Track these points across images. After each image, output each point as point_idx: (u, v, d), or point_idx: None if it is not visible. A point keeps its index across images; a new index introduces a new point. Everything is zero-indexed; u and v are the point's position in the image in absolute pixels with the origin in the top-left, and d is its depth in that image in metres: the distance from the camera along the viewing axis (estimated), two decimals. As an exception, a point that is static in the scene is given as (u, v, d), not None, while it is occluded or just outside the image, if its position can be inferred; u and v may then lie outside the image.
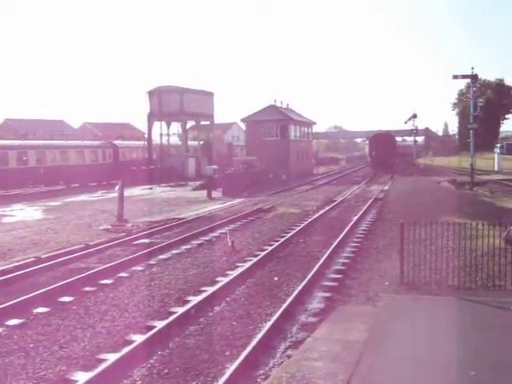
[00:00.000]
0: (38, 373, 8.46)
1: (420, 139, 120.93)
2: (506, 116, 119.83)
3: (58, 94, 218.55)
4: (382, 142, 70.82)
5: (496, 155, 65.82)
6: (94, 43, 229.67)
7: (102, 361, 8.79)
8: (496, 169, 60.83)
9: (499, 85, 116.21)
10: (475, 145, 40.83)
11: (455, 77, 39.44)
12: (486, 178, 47.16)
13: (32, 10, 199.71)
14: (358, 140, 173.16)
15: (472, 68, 39.30)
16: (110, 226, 22.85)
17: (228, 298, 12.42)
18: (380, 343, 9.10)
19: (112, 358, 8.74)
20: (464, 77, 40.59)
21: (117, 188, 25.44)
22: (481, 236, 13.32)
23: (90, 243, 18.80)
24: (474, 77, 40.21)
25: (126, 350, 9.09)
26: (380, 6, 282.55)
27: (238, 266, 15.45)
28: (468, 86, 48.31)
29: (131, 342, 9.57)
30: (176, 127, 66.44)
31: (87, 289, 13.26)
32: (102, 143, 58.12)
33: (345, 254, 16.85)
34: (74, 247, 18.09)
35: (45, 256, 16.63)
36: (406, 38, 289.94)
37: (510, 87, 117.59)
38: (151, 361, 8.93)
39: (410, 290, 12.46)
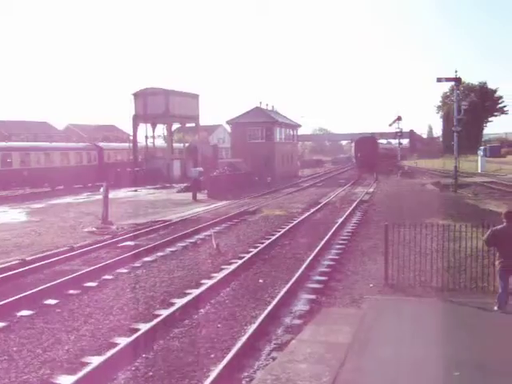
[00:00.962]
0: (20, 377, 8.39)
1: (405, 142, 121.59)
2: (489, 119, 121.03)
3: (43, 95, 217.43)
4: (366, 144, 78.46)
5: (479, 157, 66.40)
6: (79, 45, 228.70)
7: (86, 364, 8.74)
8: (479, 171, 61.36)
9: (482, 88, 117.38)
10: (459, 147, 41.13)
11: (439, 80, 39.71)
12: (469, 180, 47.61)
13: (15, 11, 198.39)
14: (344, 142, 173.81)
15: (456, 71, 39.77)
16: (94, 229, 22.74)
17: (213, 301, 12.41)
18: (365, 345, 9.15)
19: (96, 360, 8.69)
20: (448, 80, 40.92)
21: (102, 190, 25.30)
22: (464, 238, 13.45)
23: (75, 246, 18.70)
24: (457, 80, 40.58)
25: (110, 352, 9.04)
26: (366, 9, 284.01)
27: (223, 269, 15.43)
28: (452, 89, 48.66)
29: (116, 344, 9.53)
30: (161, 129, 66.52)
31: (71, 291, 13.18)
32: (87, 145, 57.90)
33: (330, 256, 16.89)
34: (59, 250, 17.98)
35: (29, 258, 16.52)
36: (391, 41, 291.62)
37: (493, 90, 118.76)
38: (136, 363, 8.90)
39: (395, 291, 12.55)
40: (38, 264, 15.80)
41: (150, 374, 8.53)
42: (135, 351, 9.25)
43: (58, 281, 13.70)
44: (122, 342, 9.56)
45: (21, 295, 12.29)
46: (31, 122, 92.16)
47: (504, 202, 30.20)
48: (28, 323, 10.96)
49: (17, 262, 16.05)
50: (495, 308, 10.74)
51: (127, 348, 9.20)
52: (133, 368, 8.74)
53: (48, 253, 17.46)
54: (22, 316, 11.36)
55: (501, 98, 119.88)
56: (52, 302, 12.33)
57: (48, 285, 13.28)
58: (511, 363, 8.26)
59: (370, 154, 74.88)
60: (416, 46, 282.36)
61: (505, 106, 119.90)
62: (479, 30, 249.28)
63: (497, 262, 10.96)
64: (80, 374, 8.17)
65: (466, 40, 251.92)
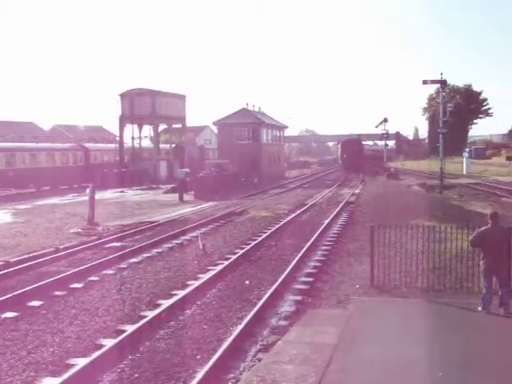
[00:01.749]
0: (4, 379, 8.33)
1: (391, 143, 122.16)
2: (474, 121, 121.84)
3: (29, 95, 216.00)
4: (352, 146, 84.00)
5: (464, 159, 66.86)
6: (66, 45, 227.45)
7: (71, 366, 8.69)
8: (465, 172, 61.78)
9: (467, 90, 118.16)
10: (444, 149, 41.35)
11: (425, 82, 39.91)
12: (454, 181, 47.92)
13: None
14: (330, 144, 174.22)
15: (441, 73, 39.87)
16: (80, 230, 22.64)
17: (199, 302, 12.40)
18: (350, 346, 9.18)
19: (81, 362, 8.66)
20: (433, 82, 41.10)
21: (88, 191, 25.21)
22: (449, 239, 13.53)
23: (61, 247, 18.61)
24: (443, 82, 40.75)
25: (95, 354, 9.00)
26: (352, 12, 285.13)
27: (210, 270, 15.43)
28: (438, 92, 48.90)
29: (101, 346, 9.49)
30: (148, 130, 66.32)
31: (57, 293, 13.11)
32: (73, 146, 57.63)
33: (316, 258, 16.94)
34: (44, 251, 17.88)
35: (14, 260, 16.43)
36: (378, 42, 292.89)
37: (478, 93, 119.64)
38: (121, 365, 8.87)
39: (381, 292, 12.61)
40: (23, 265, 15.71)
41: (136, 375, 8.51)
42: (121, 353, 9.22)
43: (44, 282, 13.62)
44: (108, 343, 9.53)
45: (5, 297, 12.22)
46: (17, 122, 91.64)
47: (489, 204, 30.48)
48: (12, 325, 10.89)
49: (1, 263, 15.94)
50: (479, 308, 10.85)
51: (113, 349, 9.17)
52: (118, 370, 8.71)
53: (33, 254, 17.36)
54: (6, 318, 11.29)
55: (485, 100, 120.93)
56: (37, 303, 12.26)
57: (33, 286, 13.20)
58: (495, 363, 8.34)
59: (356, 156, 79.77)
60: (402, 48, 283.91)
61: (489, 109, 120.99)
62: (465, 32, 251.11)
63: (481, 263, 11.06)
64: (65, 376, 8.13)
65: (452, 42, 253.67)
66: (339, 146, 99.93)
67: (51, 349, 9.58)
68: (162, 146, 64.98)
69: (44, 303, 12.30)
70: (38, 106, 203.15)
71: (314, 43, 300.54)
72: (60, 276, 14.32)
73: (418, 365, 8.27)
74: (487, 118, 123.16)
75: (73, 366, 8.66)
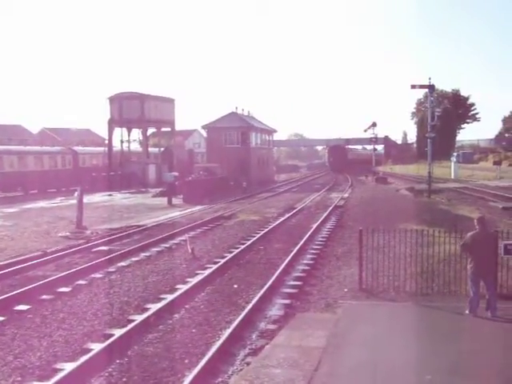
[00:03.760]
0: (-10, 384, 8.28)
1: (380, 147, 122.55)
2: (462, 126, 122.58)
3: (17, 98, 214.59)
4: (337, 151, 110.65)
5: (452, 164, 67.10)
6: (55, 48, 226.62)
7: (58, 370, 8.64)
8: (452, 177, 62.06)
9: (455, 95, 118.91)
10: (433, 153, 41.52)
11: (413, 86, 40.06)
12: (443, 185, 48.10)
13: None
14: (319, 148, 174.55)
15: (429, 78, 40.06)
16: (68, 233, 22.54)
17: (187, 306, 12.38)
18: (338, 349, 9.20)
19: (69, 367, 8.61)
20: (421, 87, 41.28)
21: (76, 194, 25.11)
22: (437, 243, 13.60)
23: (48, 250, 18.52)
24: (431, 87, 40.96)
25: (83, 358, 8.95)
26: (340, 15, 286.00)
27: (198, 274, 15.40)
28: (426, 96, 49.19)
29: (89, 350, 9.45)
30: (137, 133, 66.04)
31: (44, 297, 13.03)
32: (62, 149, 57.34)
33: (304, 261, 16.96)
34: (32, 254, 17.78)
35: (1, 263, 16.31)
36: (367, 46, 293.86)
37: (466, 97, 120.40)
38: (109, 369, 8.83)
39: (369, 296, 12.65)
40: (10, 269, 15.60)
41: (124, 379, 8.48)
42: (109, 357, 9.18)
43: (31, 286, 13.54)
44: (96, 347, 9.48)
45: (-8, 301, 12.13)
46: (5, 125, 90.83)
47: (476, 208, 30.61)
48: (-1, 329, 10.81)
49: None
50: (467, 312, 10.91)
51: (101, 354, 9.13)
52: (106, 374, 8.68)
53: (21, 258, 17.26)
54: (-7, 322, 11.20)
55: (473, 105, 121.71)
56: (24, 307, 12.17)
57: (20, 290, 13.12)
58: (482, 366, 8.39)
59: (341, 159, 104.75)
60: (391, 52, 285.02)
61: (477, 113, 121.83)
62: (454, 36, 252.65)
63: (468, 267, 11.13)
64: (52, 380, 8.09)
65: (441, 47, 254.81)
66: (326, 150, 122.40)
67: (38, 353, 9.52)
68: (150, 149, 64.90)
69: (31, 307, 12.22)
70: (26, 108, 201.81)
71: (302, 47, 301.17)
72: (47, 280, 14.24)
73: (406, 368, 8.30)
74: (475, 122, 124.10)
75: (60, 370, 8.61)
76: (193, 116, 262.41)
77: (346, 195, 43.09)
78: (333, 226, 24.77)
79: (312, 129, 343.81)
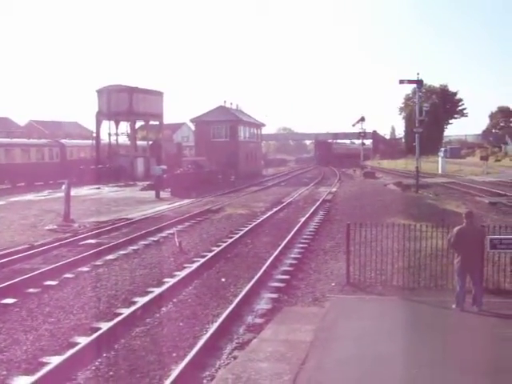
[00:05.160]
0: (-25, 378, 8.22)
1: (368, 142, 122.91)
2: (450, 121, 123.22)
3: (4, 90, 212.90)
4: (323, 146, 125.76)
5: (440, 159, 67.39)
6: (42, 40, 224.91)
7: (44, 364, 8.61)
8: (440, 172, 62.36)
9: (443, 90, 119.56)
10: (421, 148, 41.67)
11: (401, 82, 40.12)
12: (430, 180, 48.30)
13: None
14: (308, 142, 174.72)
15: (418, 73, 40.17)
16: (56, 226, 22.44)
17: (175, 299, 12.35)
18: (326, 343, 9.23)
19: (55, 360, 8.57)
20: (410, 82, 41.35)
21: (63, 187, 24.98)
22: (425, 237, 13.66)
23: (35, 244, 18.42)
24: (419, 82, 41.04)
25: (70, 352, 8.91)
26: (329, 9, 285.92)
27: (186, 267, 15.38)
28: (414, 91, 49.35)
29: (76, 344, 9.41)
30: (125, 126, 65.79)
31: (31, 290, 12.95)
32: (49, 142, 56.96)
33: (292, 255, 16.97)
34: (18, 248, 17.68)
35: (-13, 257, 16.20)
36: (355, 41, 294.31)
37: (454, 93, 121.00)
38: (96, 363, 8.80)
39: (356, 290, 12.68)
40: (-4, 262, 15.49)
41: (111, 373, 8.45)
42: (96, 350, 9.15)
43: (17, 279, 13.46)
44: (83, 341, 9.44)
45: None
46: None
47: (463, 202, 30.80)
48: (-16, 323, 10.74)
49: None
50: (453, 306, 10.97)
51: (87, 347, 9.10)
52: (93, 367, 8.65)
53: (7, 251, 17.14)
54: (-22, 316, 11.13)
55: (461, 100, 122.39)
56: (10, 301, 12.08)
57: (6, 284, 13.03)
58: (468, 360, 8.44)
59: (326, 153, 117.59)
60: (379, 47, 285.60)
61: (465, 109, 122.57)
62: (442, 32, 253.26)
63: (455, 261, 11.18)
64: (38, 374, 8.05)
65: (429, 42, 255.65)
66: (314, 145, 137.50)
67: (24, 347, 9.46)
68: (139, 142, 64.57)
69: (17, 301, 12.14)
70: (13, 101, 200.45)
71: (291, 42, 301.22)
72: (34, 273, 14.15)
73: (393, 361, 8.34)
74: (462, 118, 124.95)
75: (47, 364, 8.57)
76: (181, 109, 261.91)
77: (334, 189, 43.16)
78: (321, 220, 24.80)
79: (301, 123, 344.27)
